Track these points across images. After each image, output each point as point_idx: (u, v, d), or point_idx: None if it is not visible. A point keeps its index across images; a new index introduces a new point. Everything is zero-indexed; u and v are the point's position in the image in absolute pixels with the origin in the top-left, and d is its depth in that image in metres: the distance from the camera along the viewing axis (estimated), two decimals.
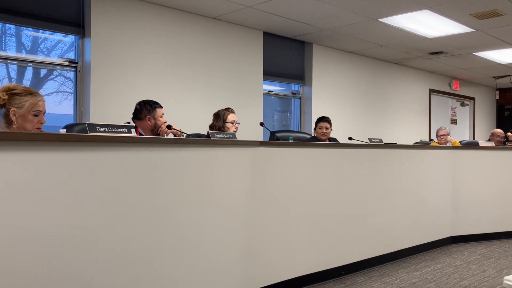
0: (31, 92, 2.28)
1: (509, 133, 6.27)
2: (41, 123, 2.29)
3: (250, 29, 5.46)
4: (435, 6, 4.60)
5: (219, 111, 3.63)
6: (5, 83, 3.85)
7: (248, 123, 4.97)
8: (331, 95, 6.47)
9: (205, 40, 5.01)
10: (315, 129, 4.38)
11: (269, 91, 6.00)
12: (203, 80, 4.98)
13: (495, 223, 4.48)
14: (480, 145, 4.79)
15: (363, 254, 3.37)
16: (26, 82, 4.10)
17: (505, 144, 6.06)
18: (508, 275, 3.23)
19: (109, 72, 4.24)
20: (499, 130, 6.18)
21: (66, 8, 4.12)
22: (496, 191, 4.47)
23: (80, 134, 1.88)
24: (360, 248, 3.35)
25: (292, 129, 6.28)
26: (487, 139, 6.25)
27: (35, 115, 2.26)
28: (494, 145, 4.95)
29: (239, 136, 2.90)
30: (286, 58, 6.04)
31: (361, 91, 6.96)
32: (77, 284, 1.70)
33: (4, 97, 2.21)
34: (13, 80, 4.05)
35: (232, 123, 3.58)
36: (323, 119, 4.31)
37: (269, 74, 5.80)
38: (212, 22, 5.07)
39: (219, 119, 3.57)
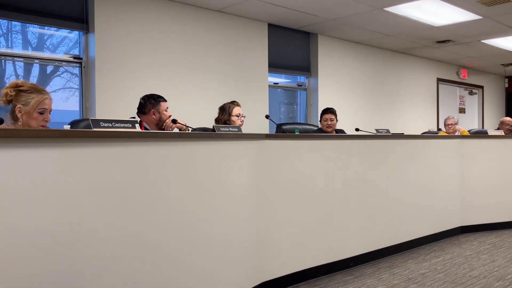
0: (38, 90, 2.28)
1: None
2: (46, 121, 2.30)
3: (254, 21, 5.43)
4: None
5: (224, 104, 3.62)
6: (12, 80, 3.88)
7: (253, 116, 4.95)
8: (337, 86, 6.42)
9: (209, 33, 4.98)
10: (320, 121, 4.36)
11: (274, 83, 5.97)
12: (208, 74, 4.97)
13: (505, 212, 4.44)
14: (489, 134, 4.74)
15: (371, 245, 3.36)
16: (33, 79, 4.12)
17: None
18: None
19: (113, 67, 4.25)
20: (508, 118, 6.09)
21: (69, 3, 4.12)
22: (505, 180, 4.42)
23: (84, 130, 1.88)
24: (368, 239, 3.34)
25: (298, 121, 6.25)
26: (496, 128, 6.18)
27: (41, 113, 2.26)
28: (503, 134, 4.90)
29: (245, 129, 2.89)
30: (291, 49, 5.99)
31: (367, 82, 6.90)
32: (85, 280, 1.71)
33: (11, 93, 2.23)
34: (20, 77, 4.07)
35: (238, 116, 3.57)
36: (327, 111, 4.27)
37: (275, 66, 5.77)
38: (216, 15, 5.04)
39: (225, 113, 3.57)
